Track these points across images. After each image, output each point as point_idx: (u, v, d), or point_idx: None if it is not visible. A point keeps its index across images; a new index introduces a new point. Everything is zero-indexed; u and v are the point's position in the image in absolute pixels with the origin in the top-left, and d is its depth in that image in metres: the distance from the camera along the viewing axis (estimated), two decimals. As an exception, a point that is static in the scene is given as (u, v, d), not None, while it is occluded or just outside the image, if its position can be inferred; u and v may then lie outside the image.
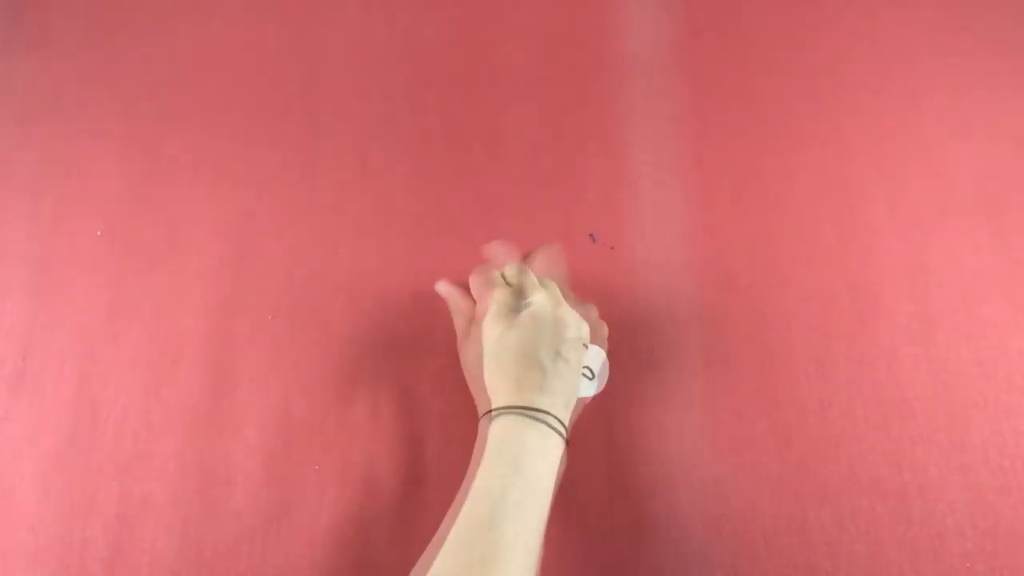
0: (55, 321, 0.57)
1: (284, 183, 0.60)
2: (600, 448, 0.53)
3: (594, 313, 0.51)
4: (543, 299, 0.47)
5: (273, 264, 0.58)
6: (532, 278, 0.49)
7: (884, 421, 0.53)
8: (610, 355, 0.51)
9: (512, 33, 0.65)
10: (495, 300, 0.47)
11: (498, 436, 0.43)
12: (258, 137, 0.62)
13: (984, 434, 0.53)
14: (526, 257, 0.52)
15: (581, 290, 0.56)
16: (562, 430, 0.44)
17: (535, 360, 0.45)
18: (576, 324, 0.47)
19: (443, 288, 0.52)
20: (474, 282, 0.50)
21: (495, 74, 0.64)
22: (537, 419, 0.43)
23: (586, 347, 0.48)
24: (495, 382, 0.46)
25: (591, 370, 0.49)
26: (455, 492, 0.52)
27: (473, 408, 0.49)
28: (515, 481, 0.41)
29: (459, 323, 0.51)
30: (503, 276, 0.50)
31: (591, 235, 0.58)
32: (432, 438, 0.53)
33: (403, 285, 0.57)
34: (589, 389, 0.49)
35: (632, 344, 0.55)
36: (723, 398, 0.54)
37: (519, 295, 0.48)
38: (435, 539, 0.43)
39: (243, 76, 0.64)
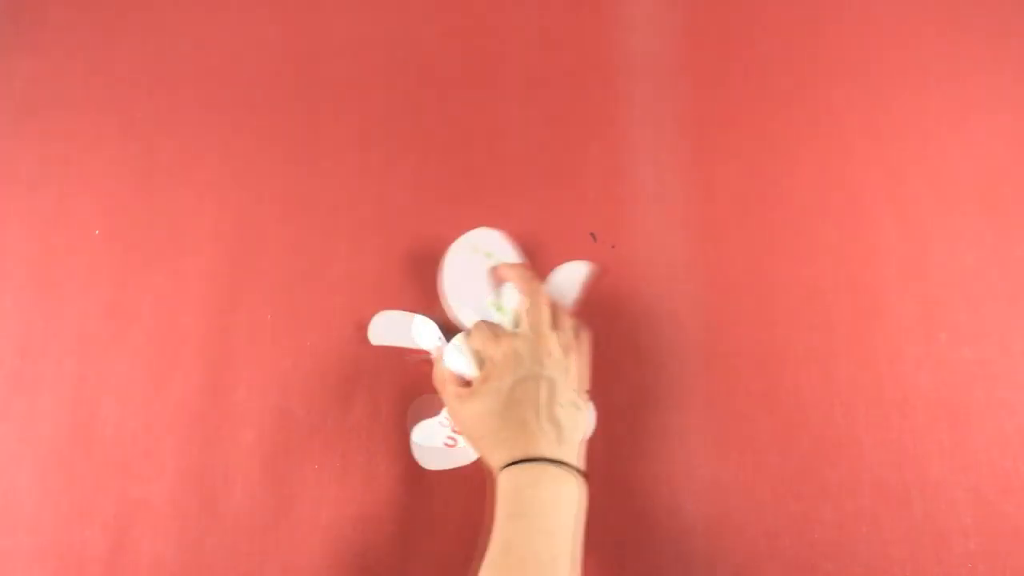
0: (54, 320, 0.57)
1: (284, 183, 0.60)
2: (600, 448, 0.53)
3: (584, 344, 0.52)
4: (554, 346, 0.48)
5: (273, 264, 0.58)
6: (545, 319, 0.50)
7: (886, 421, 0.53)
8: (612, 354, 0.52)
9: (512, 33, 0.65)
10: (510, 351, 0.48)
11: (519, 489, 0.44)
12: (258, 137, 0.62)
13: (986, 434, 0.52)
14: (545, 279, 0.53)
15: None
16: (578, 472, 0.45)
17: (550, 412, 0.46)
18: (583, 376, 0.50)
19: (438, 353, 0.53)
20: (479, 338, 0.50)
21: (495, 74, 0.63)
22: (557, 466, 0.44)
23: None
24: (507, 433, 0.46)
25: None
26: (455, 492, 0.52)
27: None
28: (540, 533, 0.42)
29: (451, 389, 0.51)
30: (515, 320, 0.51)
31: (591, 234, 0.58)
32: (432, 438, 0.53)
33: (403, 284, 0.57)
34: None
35: (633, 343, 0.55)
36: (724, 397, 0.54)
37: (533, 348, 0.48)
38: None
39: (243, 76, 0.64)
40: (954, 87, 0.62)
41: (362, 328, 0.55)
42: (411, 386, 0.55)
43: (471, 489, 0.51)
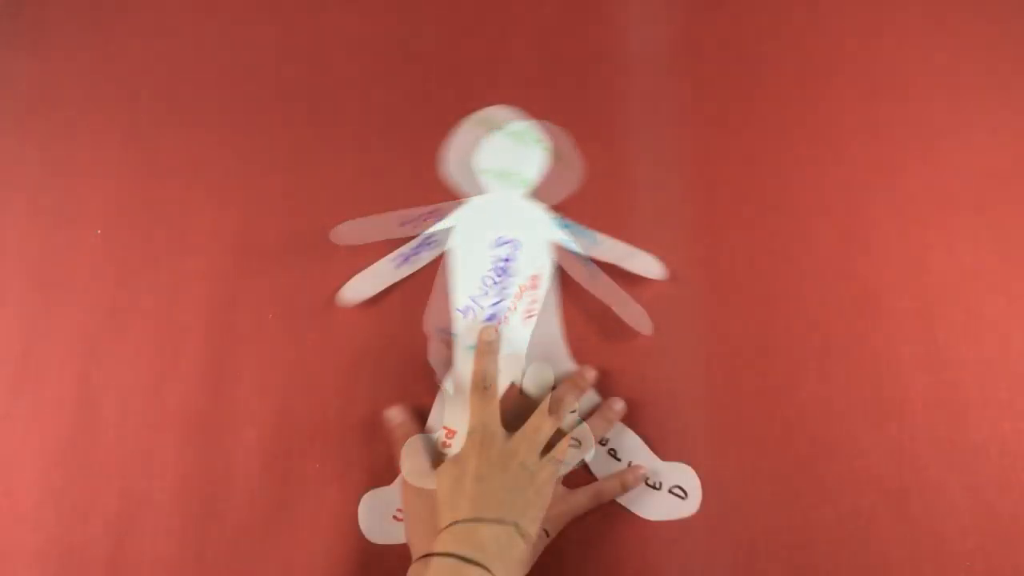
0: (55, 320, 0.57)
1: (284, 182, 0.60)
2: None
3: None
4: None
5: (273, 263, 0.58)
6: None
7: (884, 420, 0.53)
8: (612, 354, 0.52)
9: (512, 31, 0.65)
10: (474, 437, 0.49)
11: None
12: (258, 136, 0.62)
13: (985, 433, 0.53)
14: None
15: (580, 291, 0.56)
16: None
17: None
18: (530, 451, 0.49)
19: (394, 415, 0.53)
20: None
21: (495, 73, 0.63)
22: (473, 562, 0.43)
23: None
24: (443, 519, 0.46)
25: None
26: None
27: None
28: None
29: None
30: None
31: (591, 234, 0.58)
32: (432, 438, 0.53)
33: (403, 284, 0.57)
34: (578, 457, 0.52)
35: (632, 343, 0.55)
36: (723, 397, 0.54)
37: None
38: None
39: (243, 76, 0.64)
40: (952, 85, 0.62)
41: (362, 327, 0.56)
42: (411, 386, 0.55)
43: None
